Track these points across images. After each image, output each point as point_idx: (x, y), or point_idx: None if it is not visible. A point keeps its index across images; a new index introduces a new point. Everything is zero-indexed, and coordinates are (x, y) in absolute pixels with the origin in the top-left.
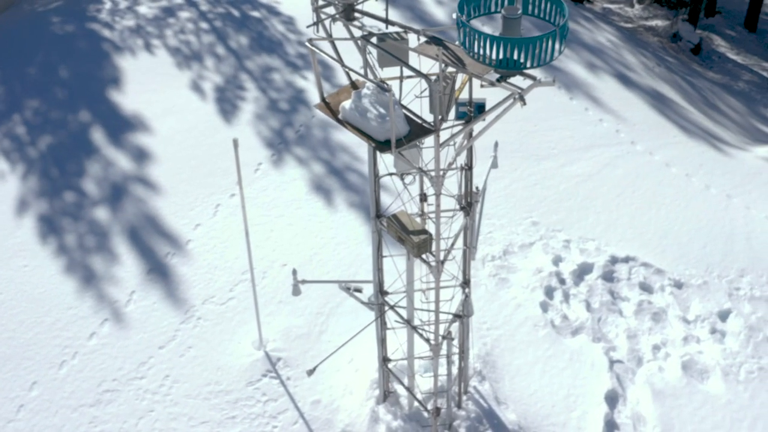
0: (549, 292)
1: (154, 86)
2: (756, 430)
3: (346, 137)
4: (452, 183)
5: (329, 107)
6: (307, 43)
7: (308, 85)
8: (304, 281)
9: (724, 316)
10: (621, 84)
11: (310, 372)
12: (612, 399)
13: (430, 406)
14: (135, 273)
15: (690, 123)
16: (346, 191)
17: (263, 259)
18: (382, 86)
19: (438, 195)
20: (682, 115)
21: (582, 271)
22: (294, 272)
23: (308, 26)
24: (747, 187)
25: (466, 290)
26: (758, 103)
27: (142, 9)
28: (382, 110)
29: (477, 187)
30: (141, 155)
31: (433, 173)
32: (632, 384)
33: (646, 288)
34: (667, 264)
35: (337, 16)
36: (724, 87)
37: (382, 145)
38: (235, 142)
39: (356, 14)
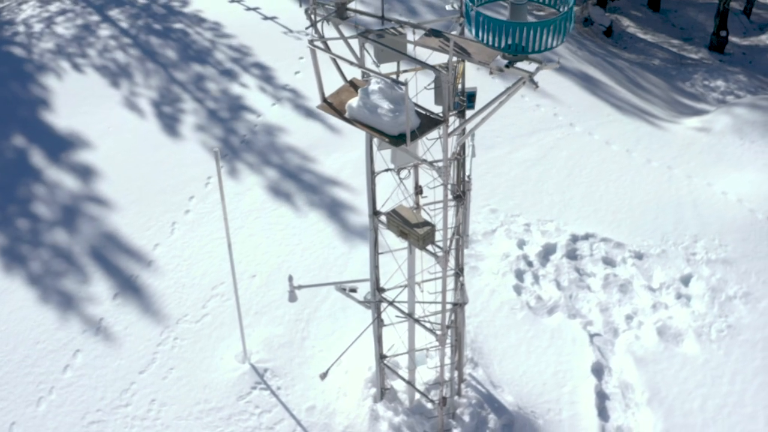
0: (519, 275)
1: (85, 108)
2: (735, 384)
3: (293, 139)
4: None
5: (332, 107)
6: (308, 45)
7: (245, 91)
8: (300, 287)
9: (686, 280)
10: (551, 69)
11: (324, 375)
12: (598, 371)
13: (434, 397)
14: (101, 299)
15: (621, 101)
16: (303, 194)
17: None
18: (397, 81)
19: (446, 185)
20: (612, 95)
21: (546, 252)
22: (290, 278)
23: (306, 28)
24: (684, 158)
25: (461, 278)
26: (675, 78)
27: (59, 29)
28: (392, 105)
29: (468, 176)
30: (86, 179)
31: (437, 164)
32: (613, 354)
33: (609, 262)
34: (624, 237)
35: (330, 16)
36: (641, 65)
37: (396, 140)
38: (216, 154)
39: (349, 13)
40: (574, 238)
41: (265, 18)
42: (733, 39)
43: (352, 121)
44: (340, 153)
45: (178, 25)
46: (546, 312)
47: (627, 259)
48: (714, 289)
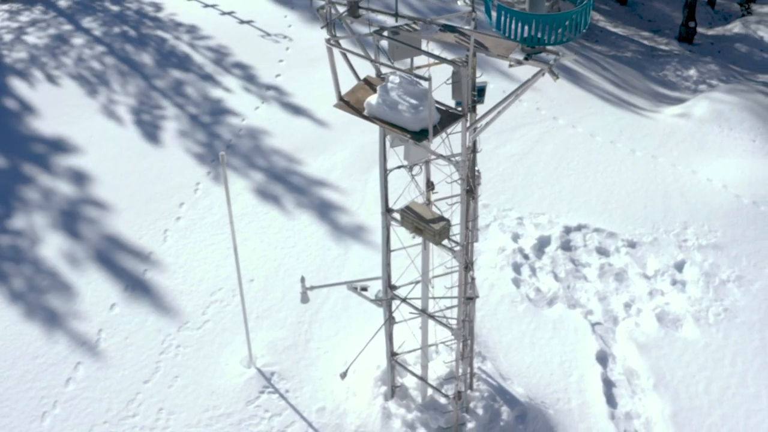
0: (516, 268)
1: (65, 118)
2: (737, 366)
3: (278, 142)
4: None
5: (350, 105)
6: (326, 44)
7: (226, 94)
8: (312, 287)
9: (679, 267)
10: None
11: (344, 375)
12: (602, 359)
13: (448, 392)
14: (98, 310)
15: (601, 93)
16: (292, 196)
17: (228, 277)
18: (420, 76)
19: (464, 179)
20: (592, 86)
21: (541, 245)
22: (302, 279)
23: (321, 27)
24: (668, 147)
25: (471, 272)
26: (648, 69)
27: (31, 39)
28: (413, 101)
29: (478, 170)
30: (76, 189)
31: (455, 159)
32: (616, 342)
33: (603, 252)
34: (616, 227)
35: (342, 15)
36: (614, 58)
37: (418, 135)
38: (222, 157)
39: (361, 11)
40: (567, 230)
41: (241, 22)
42: (699, 29)
43: (371, 118)
44: (327, 155)
45: (153, 32)
46: (546, 303)
47: (620, 248)
48: (707, 274)
